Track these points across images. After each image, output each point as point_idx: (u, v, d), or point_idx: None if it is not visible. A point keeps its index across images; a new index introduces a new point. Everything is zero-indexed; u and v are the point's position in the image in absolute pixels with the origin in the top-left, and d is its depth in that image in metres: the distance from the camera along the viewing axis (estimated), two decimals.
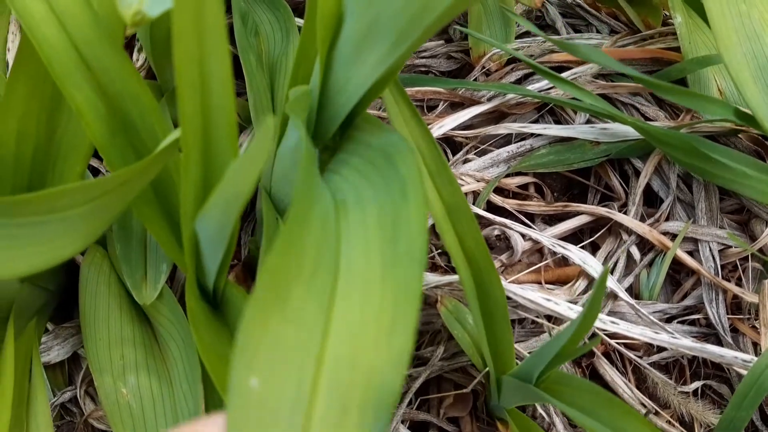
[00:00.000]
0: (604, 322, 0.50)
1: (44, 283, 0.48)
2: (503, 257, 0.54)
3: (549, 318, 0.52)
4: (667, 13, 0.64)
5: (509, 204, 0.57)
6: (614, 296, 0.51)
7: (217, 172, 0.32)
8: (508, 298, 0.49)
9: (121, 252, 0.46)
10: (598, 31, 0.66)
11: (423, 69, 0.63)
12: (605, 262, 0.55)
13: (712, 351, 0.49)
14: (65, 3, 0.34)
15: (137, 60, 0.58)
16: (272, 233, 0.43)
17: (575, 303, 0.51)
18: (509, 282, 0.52)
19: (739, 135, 0.59)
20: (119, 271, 0.47)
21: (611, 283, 0.51)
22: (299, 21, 0.59)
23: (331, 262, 0.23)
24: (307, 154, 0.26)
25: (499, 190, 0.58)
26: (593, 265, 0.52)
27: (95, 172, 0.55)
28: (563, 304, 0.49)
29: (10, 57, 0.55)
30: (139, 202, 0.39)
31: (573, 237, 0.57)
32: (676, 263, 0.55)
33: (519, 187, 0.58)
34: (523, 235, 0.54)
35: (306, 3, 0.40)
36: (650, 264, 0.55)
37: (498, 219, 0.54)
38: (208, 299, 0.41)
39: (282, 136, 0.45)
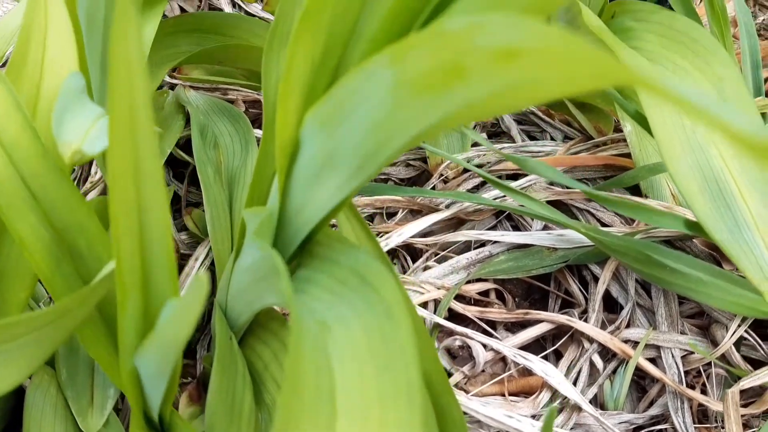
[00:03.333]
0: None
1: None
2: (466, 368, 0.53)
3: None
4: (618, 120, 0.67)
5: (470, 311, 0.56)
6: (578, 408, 0.50)
7: (157, 306, 0.31)
8: (470, 415, 0.48)
9: (67, 376, 0.44)
10: (552, 138, 0.68)
11: (382, 177, 0.64)
12: (568, 371, 0.54)
13: None
14: (14, 136, 0.34)
15: (95, 174, 0.58)
16: (224, 353, 0.42)
17: (539, 417, 0.49)
18: (472, 395, 0.51)
19: (694, 239, 0.59)
20: (66, 395, 0.45)
21: (575, 394, 0.50)
22: (258, 132, 0.60)
23: (328, 389, 0.24)
24: (287, 287, 0.26)
25: (460, 297, 0.58)
26: (555, 376, 0.51)
27: None
28: (525, 420, 0.48)
29: None
30: (83, 326, 0.38)
31: (536, 344, 0.57)
32: (640, 370, 0.54)
33: (480, 293, 0.58)
34: (484, 345, 0.53)
35: (263, 124, 0.41)
36: (614, 372, 0.54)
37: (459, 329, 0.54)
38: (154, 427, 0.39)
39: (240, 250, 0.44)
